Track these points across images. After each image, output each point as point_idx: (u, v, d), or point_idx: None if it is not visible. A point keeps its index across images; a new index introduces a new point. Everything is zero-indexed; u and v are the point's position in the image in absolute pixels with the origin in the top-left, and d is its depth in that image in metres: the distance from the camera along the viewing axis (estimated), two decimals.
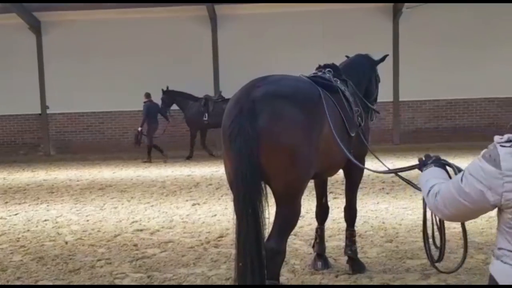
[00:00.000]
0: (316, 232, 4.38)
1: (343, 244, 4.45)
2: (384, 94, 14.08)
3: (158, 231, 5.76)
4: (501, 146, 1.61)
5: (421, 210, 6.45)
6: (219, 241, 5.25)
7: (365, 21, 14.24)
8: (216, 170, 10.22)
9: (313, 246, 4.40)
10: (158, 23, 14.45)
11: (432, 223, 2.70)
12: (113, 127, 14.99)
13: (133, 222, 6.22)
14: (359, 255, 4.35)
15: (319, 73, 3.92)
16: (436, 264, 2.81)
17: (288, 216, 3.02)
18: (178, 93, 13.10)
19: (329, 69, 3.95)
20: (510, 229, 1.69)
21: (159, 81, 14.72)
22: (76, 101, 14.61)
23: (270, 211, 3.01)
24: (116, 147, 14.72)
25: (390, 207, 6.56)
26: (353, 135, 3.67)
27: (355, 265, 4.19)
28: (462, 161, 10.42)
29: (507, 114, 14.49)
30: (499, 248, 1.76)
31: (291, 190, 2.98)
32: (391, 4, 14.30)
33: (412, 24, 14.09)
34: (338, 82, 3.83)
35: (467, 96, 14.46)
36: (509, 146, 1.59)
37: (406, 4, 13.87)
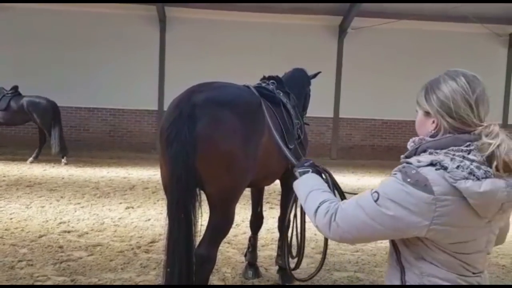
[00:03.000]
0: (249, 241, 4.41)
1: (275, 254, 4.50)
2: (326, 109, 14.74)
3: (87, 233, 5.54)
4: (425, 168, 1.51)
5: None
6: (150, 246, 5.13)
7: (312, 38, 14.65)
8: (154, 174, 10.03)
9: (245, 255, 4.41)
10: (104, 18, 14.07)
11: (292, 231, 2.64)
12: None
13: (60, 222, 5.94)
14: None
15: (263, 84, 3.98)
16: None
17: (220, 224, 3.01)
18: None
19: (273, 81, 4.02)
20: (434, 259, 1.60)
21: (100, 78, 14.36)
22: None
23: (205, 218, 2.99)
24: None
25: None
26: (291, 147, 3.74)
27: (285, 275, 4.25)
28: None
29: None
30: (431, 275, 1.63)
31: (225, 196, 2.97)
32: (337, 24, 14.81)
33: (355, 45, 14.67)
34: (281, 94, 3.90)
35: (401, 117, 15.21)
36: (437, 169, 1.50)
37: (351, 25, 14.44)
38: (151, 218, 6.33)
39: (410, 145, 1.70)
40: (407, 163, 1.58)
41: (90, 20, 14.10)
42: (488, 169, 1.51)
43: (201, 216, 2.94)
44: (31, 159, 11.32)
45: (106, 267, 4.44)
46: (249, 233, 4.51)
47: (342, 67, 14.87)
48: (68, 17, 14.06)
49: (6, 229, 5.54)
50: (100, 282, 4.07)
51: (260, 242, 4.86)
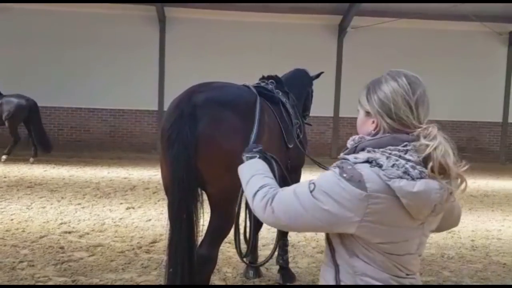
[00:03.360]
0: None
1: (275, 253, 4.50)
2: (326, 109, 14.74)
3: (88, 234, 5.54)
4: (361, 165, 1.50)
5: None
6: (151, 246, 5.14)
7: (311, 37, 14.64)
8: (155, 174, 10.03)
9: (246, 255, 4.41)
10: (103, 19, 14.07)
11: (246, 220, 2.52)
12: (47, 123, 14.30)
13: (61, 223, 5.95)
14: (290, 265, 4.42)
15: (262, 84, 3.98)
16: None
17: (221, 224, 3.01)
18: None
19: (272, 80, 4.02)
20: (367, 257, 1.57)
21: (101, 79, 14.35)
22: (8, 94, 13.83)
23: (206, 218, 2.99)
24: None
25: None
26: (290, 146, 3.74)
27: (286, 274, 4.26)
28: None
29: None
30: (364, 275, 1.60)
31: (226, 196, 2.97)
32: (337, 23, 14.81)
33: (355, 44, 14.66)
34: (280, 94, 3.90)
35: None
36: (372, 166, 1.49)
37: (351, 24, 14.44)
38: (152, 219, 6.33)
39: (349, 143, 1.69)
40: (345, 159, 1.57)
41: (90, 21, 14.09)
42: (424, 169, 1.49)
43: (202, 216, 2.94)
44: (4, 156, 11.41)
45: (107, 267, 4.45)
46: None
47: (342, 66, 14.86)
48: (67, 17, 14.06)
49: (7, 230, 5.54)
50: (101, 283, 4.08)
51: (261, 241, 4.87)
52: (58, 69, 14.03)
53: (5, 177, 9.21)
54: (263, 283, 4.23)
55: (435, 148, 1.49)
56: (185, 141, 2.76)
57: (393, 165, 1.47)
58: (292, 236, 5.40)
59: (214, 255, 2.98)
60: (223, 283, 4.17)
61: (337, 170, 1.54)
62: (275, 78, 4.16)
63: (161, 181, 3.22)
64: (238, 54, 14.19)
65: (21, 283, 4.01)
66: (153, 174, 10.10)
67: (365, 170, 1.48)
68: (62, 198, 7.48)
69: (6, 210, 6.54)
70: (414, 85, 1.59)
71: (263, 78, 4.21)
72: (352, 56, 14.72)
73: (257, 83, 4.04)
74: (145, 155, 13.39)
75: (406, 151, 1.51)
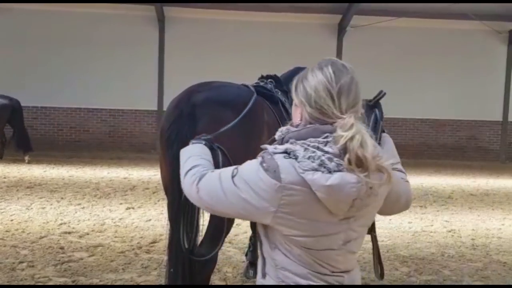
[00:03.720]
0: (250, 240, 4.41)
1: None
2: None
3: (88, 234, 5.53)
4: (278, 156, 1.46)
5: None
6: (151, 246, 5.13)
7: (311, 36, 14.63)
8: (154, 174, 10.02)
9: (246, 254, 4.41)
10: (103, 19, 14.07)
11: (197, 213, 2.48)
12: (47, 124, 14.33)
13: (61, 224, 5.94)
14: None
15: (261, 83, 3.97)
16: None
17: (221, 223, 3.00)
18: None
19: (271, 79, 4.01)
20: (287, 250, 1.54)
21: (100, 79, 14.35)
22: (9, 94, 13.82)
23: (206, 218, 2.99)
24: (49, 144, 14.07)
25: None
26: None
27: None
28: None
29: (437, 134, 15.41)
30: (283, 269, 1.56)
31: None
32: (336, 22, 14.80)
33: (355, 43, 14.65)
34: (279, 93, 3.89)
35: (401, 115, 15.20)
36: (288, 157, 1.44)
37: (350, 23, 14.43)
38: (152, 219, 6.33)
39: (277, 134, 1.64)
40: (266, 149, 1.54)
41: (89, 21, 14.09)
42: (342, 162, 1.43)
43: (202, 216, 2.94)
44: None
45: (107, 267, 4.44)
46: (250, 232, 4.51)
47: None
48: (66, 17, 14.05)
49: (6, 231, 5.54)
50: (101, 283, 4.07)
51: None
52: (57, 69, 14.03)
53: (4, 178, 9.20)
54: None
55: (351, 139, 1.41)
56: (185, 141, 2.74)
57: (309, 157, 1.42)
58: None
59: (214, 255, 2.97)
60: (223, 283, 4.16)
61: (259, 159, 1.52)
62: (274, 77, 4.14)
63: (160, 181, 3.21)
64: (238, 54, 14.18)
65: (21, 283, 4.01)
66: (152, 174, 10.10)
67: (281, 161, 1.44)
68: (62, 198, 7.47)
69: (6, 210, 6.53)
70: (339, 74, 1.54)
71: (262, 77, 4.20)
72: (351, 55, 14.67)
73: (256, 83, 4.03)
74: (145, 155, 13.39)
75: (326, 143, 1.44)
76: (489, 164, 14.30)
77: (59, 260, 4.58)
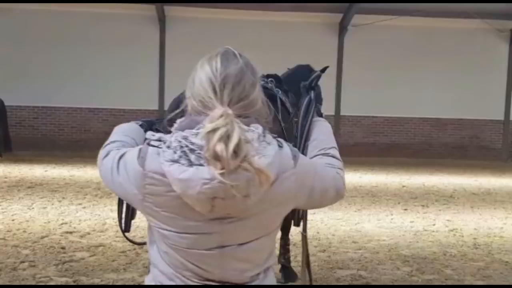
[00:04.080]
0: None
1: (277, 252, 4.49)
2: (327, 108, 14.66)
3: (89, 234, 5.53)
4: (149, 144, 1.36)
5: (354, 221, 6.67)
6: None
7: (312, 35, 14.61)
8: None
9: None
10: (103, 18, 14.07)
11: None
12: (48, 123, 14.34)
13: (62, 223, 5.94)
14: (292, 264, 4.41)
15: (262, 82, 3.95)
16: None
17: None
18: None
19: (271, 79, 4.00)
20: (157, 246, 1.44)
21: (100, 79, 14.34)
22: (9, 94, 13.85)
23: None
24: (50, 144, 14.08)
25: (325, 217, 6.71)
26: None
27: (288, 273, 4.24)
28: (394, 177, 10.91)
29: (439, 133, 15.39)
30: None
31: None
32: (337, 22, 14.78)
33: (356, 42, 14.63)
34: (280, 92, 3.87)
35: (403, 114, 15.18)
36: (157, 146, 1.34)
37: (351, 22, 14.41)
38: None
39: (174, 127, 1.52)
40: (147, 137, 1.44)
41: (90, 20, 14.09)
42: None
43: None
44: None
45: (109, 267, 4.44)
46: None
47: (343, 64, 14.83)
48: (67, 17, 14.06)
49: (8, 231, 5.54)
50: (102, 283, 4.07)
51: None
52: (58, 68, 14.03)
53: (5, 178, 9.21)
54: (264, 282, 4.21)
55: (213, 131, 1.25)
56: None
57: (173, 147, 1.30)
58: (294, 235, 5.38)
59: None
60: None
61: (141, 146, 1.44)
62: (274, 76, 4.13)
63: None
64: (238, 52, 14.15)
65: (22, 283, 4.01)
66: None
67: (149, 149, 1.36)
68: (63, 198, 7.47)
69: (7, 210, 6.54)
70: (227, 64, 1.40)
71: (262, 76, 4.18)
72: (353, 54, 14.69)
73: None
74: None
75: (197, 134, 1.31)
76: (491, 163, 14.27)
77: (60, 260, 4.58)
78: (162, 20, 14.28)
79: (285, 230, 4.35)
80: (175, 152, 1.29)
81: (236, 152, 1.24)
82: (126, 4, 13.81)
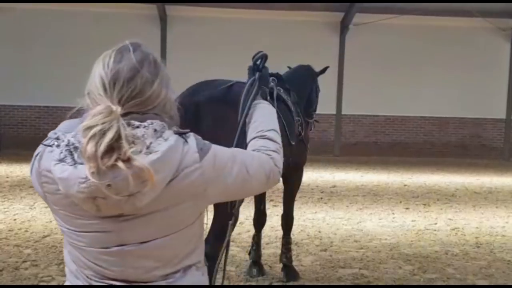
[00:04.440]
0: (253, 239, 4.40)
1: (279, 251, 4.49)
2: (328, 106, 14.69)
3: None
4: (43, 144, 1.33)
5: (356, 220, 6.67)
6: None
7: (313, 35, 14.60)
8: None
9: (250, 253, 4.41)
10: (105, 18, 14.09)
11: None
12: (50, 123, 14.33)
13: None
14: (294, 263, 4.41)
15: None
16: None
17: (224, 221, 2.99)
18: None
19: (273, 78, 4.00)
20: (67, 244, 1.40)
21: None
22: (11, 94, 13.88)
23: (209, 217, 2.97)
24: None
25: (327, 216, 6.71)
26: (293, 143, 3.73)
27: (289, 273, 4.24)
28: (396, 176, 10.90)
29: (441, 132, 15.36)
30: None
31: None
32: (338, 21, 14.77)
33: (357, 41, 14.61)
34: (281, 91, 3.88)
35: (405, 113, 15.16)
36: (50, 145, 1.30)
37: (352, 21, 14.39)
38: None
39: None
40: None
41: (91, 20, 14.10)
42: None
43: (206, 215, 2.92)
44: None
45: None
46: (253, 231, 4.51)
47: (344, 63, 14.81)
48: (68, 17, 14.07)
49: (10, 230, 5.55)
50: None
51: (264, 240, 4.85)
52: (59, 68, 14.03)
53: (7, 177, 9.22)
54: (266, 282, 4.22)
55: (88, 129, 1.21)
56: None
57: (60, 146, 1.27)
58: (296, 234, 5.39)
59: (218, 253, 2.96)
60: (226, 282, 4.15)
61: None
62: (276, 75, 4.14)
63: None
64: (240, 52, 14.11)
65: (24, 283, 4.01)
66: None
67: (41, 147, 1.33)
68: None
69: (9, 210, 6.55)
70: (120, 59, 1.34)
71: None
72: (354, 53, 14.67)
73: None
74: None
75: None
76: (493, 162, 14.24)
77: (62, 259, 4.55)
78: (163, 20, 14.29)
79: (288, 229, 4.35)
80: (61, 152, 1.26)
81: (109, 150, 1.19)
82: (128, 3, 13.82)
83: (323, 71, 4.86)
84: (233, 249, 5.01)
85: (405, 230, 6.13)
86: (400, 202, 7.96)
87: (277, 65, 5.84)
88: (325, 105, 15.36)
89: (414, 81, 14.90)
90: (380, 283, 4.26)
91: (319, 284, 4.21)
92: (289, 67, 4.92)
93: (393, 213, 7.07)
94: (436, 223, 6.55)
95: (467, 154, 15.21)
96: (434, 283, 4.33)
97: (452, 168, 12.56)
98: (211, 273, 2.98)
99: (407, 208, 7.46)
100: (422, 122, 15.35)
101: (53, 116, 14.29)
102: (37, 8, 13.93)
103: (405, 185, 9.70)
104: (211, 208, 2.96)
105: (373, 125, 15.27)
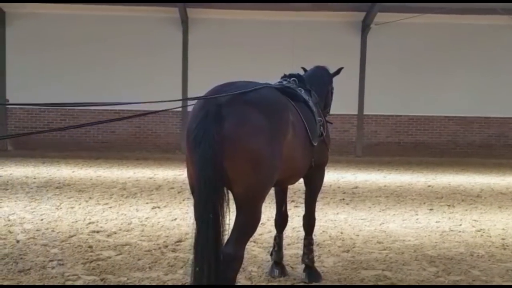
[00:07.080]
0: (275, 240, 4.41)
1: (301, 252, 4.49)
2: (350, 107, 14.61)
3: (115, 233, 5.63)
4: None
5: (379, 221, 6.61)
6: (177, 245, 5.19)
7: (334, 35, 14.53)
8: (180, 174, 10.12)
9: (271, 254, 4.42)
10: (127, 21, 14.30)
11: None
12: (70, 124, 14.64)
13: (89, 223, 6.06)
14: (316, 264, 4.40)
15: (284, 82, 3.98)
16: None
17: (247, 222, 3.02)
18: None
19: (294, 78, 4.01)
20: None
21: (125, 81, 14.55)
22: (38, 97, 14.19)
23: (231, 217, 3.00)
24: (77, 145, 14.39)
25: (349, 217, 6.67)
26: (315, 144, 3.73)
27: (312, 274, 4.23)
28: (419, 177, 10.75)
29: (465, 132, 15.08)
30: None
31: (252, 195, 2.98)
32: (360, 20, 14.65)
33: (379, 40, 14.47)
34: (303, 91, 3.89)
35: (428, 113, 14.94)
36: None
37: (374, 21, 14.26)
38: (177, 218, 6.39)
39: None
40: None
41: (113, 23, 14.35)
42: None
43: (228, 215, 2.95)
44: None
45: (134, 266, 4.51)
46: (274, 231, 4.51)
47: (366, 63, 14.69)
48: (91, 20, 14.34)
49: (37, 230, 5.68)
50: (128, 281, 4.14)
51: (286, 240, 4.85)
52: (83, 72, 14.32)
53: (34, 178, 9.45)
54: (288, 282, 4.22)
55: None
56: (211, 141, 2.79)
57: None
58: (317, 235, 5.37)
59: (240, 254, 2.98)
60: (248, 282, 4.17)
61: None
62: (297, 76, 4.15)
63: (185, 181, 3.25)
64: (261, 53, 14.19)
65: (51, 282, 4.10)
66: (177, 174, 10.19)
67: None
68: (90, 198, 7.62)
69: (36, 210, 6.71)
70: None
71: (284, 76, 4.21)
72: (376, 53, 14.53)
73: (279, 82, 4.04)
74: (170, 155, 13.53)
75: None
76: None
77: (88, 259, 4.67)
78: (184, 22, 14.42)
79: (310, 230, 4.34)
80: None
81: None
82: (149, 6, 14.01)
83: (337, 72, 4.87)
84: (255, 250, 5.03)
85: (429, 231, 6.05)
86: (424, 203, 7.85)
87: (298, 66, 5.85)
88: (347, 105, 15.34)
89: (437, 80, 14.67)
90: (403, 284, 4.21)
91: (342, 285, 4.19)
92: (303, 68, 4.96)
93: (416, 214, 6.98)
94: (461, 224, 6.44)
95: (492, 154, 14.89)
96: (459, 285, 4.26)
97: (477, 169, 12.31)
98: (235, 273, 3.00)
99: (431, 209, 7.36)
100: (446, 122, 15.10)
101: (77, 118, 14.57)
102: (59, 12, 14.24)
103: (429, 186, 9.55)
104: (233, 209, 3.00)
105: (396, 125, 15.09)
